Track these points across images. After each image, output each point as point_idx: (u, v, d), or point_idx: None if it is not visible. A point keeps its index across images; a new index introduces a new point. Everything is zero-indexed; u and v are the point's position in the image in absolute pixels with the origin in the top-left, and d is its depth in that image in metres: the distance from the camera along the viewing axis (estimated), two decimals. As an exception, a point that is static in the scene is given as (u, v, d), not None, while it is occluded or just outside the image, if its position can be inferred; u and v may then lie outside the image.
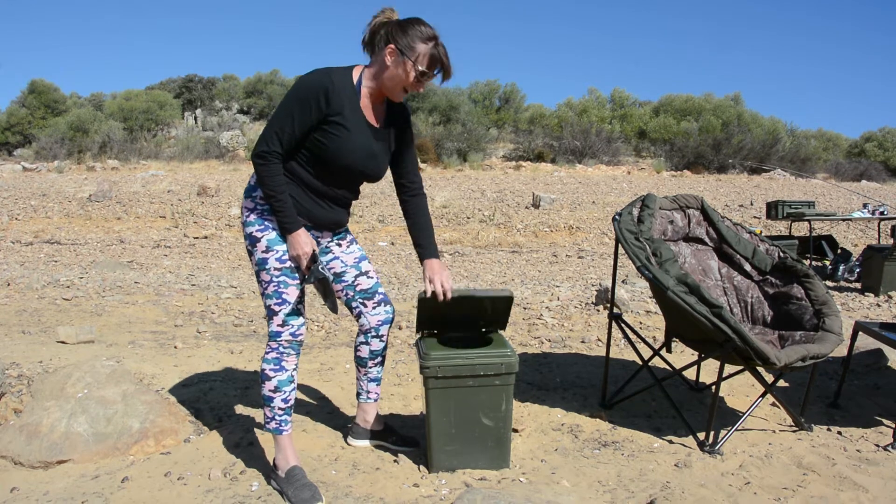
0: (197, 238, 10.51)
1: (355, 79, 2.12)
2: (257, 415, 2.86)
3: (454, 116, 24.17)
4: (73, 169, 19.53)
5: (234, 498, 2.13)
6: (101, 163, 20.31)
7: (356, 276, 2.40)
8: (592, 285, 6.40)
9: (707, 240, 3.27)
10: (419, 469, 2.38)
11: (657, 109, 26.66)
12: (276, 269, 2.13)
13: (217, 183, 14.89)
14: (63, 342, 3.89)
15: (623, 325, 3.09)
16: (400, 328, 4.54)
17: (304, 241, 2.10)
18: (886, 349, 3.63)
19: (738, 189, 16.86)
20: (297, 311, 2.17)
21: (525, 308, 5.25)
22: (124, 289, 5.97)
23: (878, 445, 2.66)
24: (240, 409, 2.93)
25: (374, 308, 2.42)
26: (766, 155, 22.70)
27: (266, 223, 2.14)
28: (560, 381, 3.44)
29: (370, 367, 2.49)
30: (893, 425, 2.82)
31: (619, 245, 2.87)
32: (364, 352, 2.47)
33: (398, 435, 2.55)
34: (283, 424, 2.21)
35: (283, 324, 2.15)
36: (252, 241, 2.15)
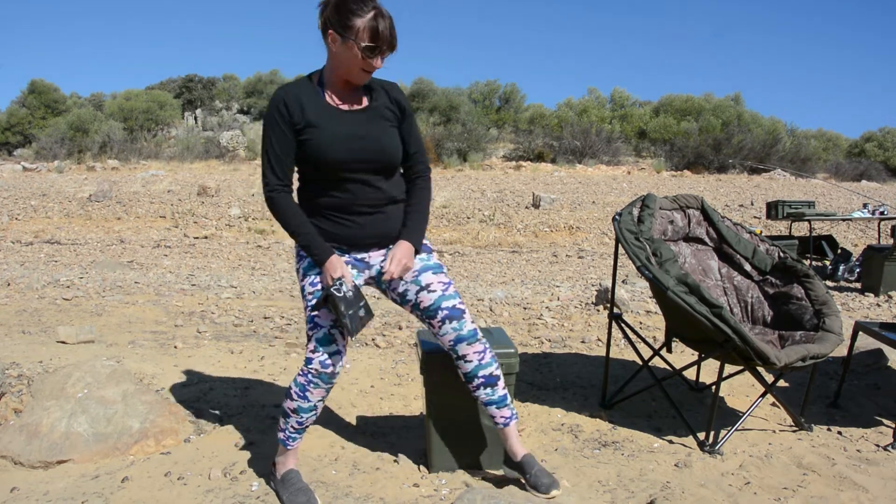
0: (197, 238, 10.51)
1: (315, 79, 2.08)
2: (257, 415, 2.86)
3: (454, 116, 24.18)
4: (73, 169, 19.53)
5: (234, 498, 2.13)
6: (102, 163, 20.31)
7: (417, 293, 2.13)
8: (592, 285, 6.40)
9: (707, 240, 3.27)
10: (419, 469, 2.38)
11: (657, 109, 26.66)
12: (309, 293, 2.07)
13: (217, 183, 14.89)
14: (63, 342, 3.89)
15: (623, 325, 3.09)
16: (400, 328, 4.54)
17: (331, 267, 2.01)
18: (886, 349, 3.63)
19: (738, 189, 16.86)
20: (330, 339, 2.03)
21: (525, 308, 5.25)
22: (124, 289, 5.97)
23: (878, 445, 2.66)
24: (240, 409, 2.93)
25: (440, 328, 2.12)
26: (766, 155, 22.70)
27: (303, 252, 2.12)
28: (560, 381, 3.44)
29: (473, 391, 2.19)
30: (893, 425, 2.82)
31: (619, 245, 2.87)
32: (459, 374, 2.20)
33: (532, 474, 2.18)
34: (290, 440, 2.17)
35: (315, 350, 2.04)
36: (297, 269, 2.15)
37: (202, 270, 7.60)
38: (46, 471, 2.32)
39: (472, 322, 2.14)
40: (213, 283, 6.48)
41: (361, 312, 1.98)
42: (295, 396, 2.09)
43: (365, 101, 2.10)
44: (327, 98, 2.06)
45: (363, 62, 1.95)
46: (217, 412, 2.87)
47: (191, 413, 2.83)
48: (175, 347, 3.94)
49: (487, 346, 2.15)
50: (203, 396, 3.06)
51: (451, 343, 2.12)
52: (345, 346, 2.08)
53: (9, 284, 6.05)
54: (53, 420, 2.44)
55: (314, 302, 2.03)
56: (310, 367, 2.04)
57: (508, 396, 2.21)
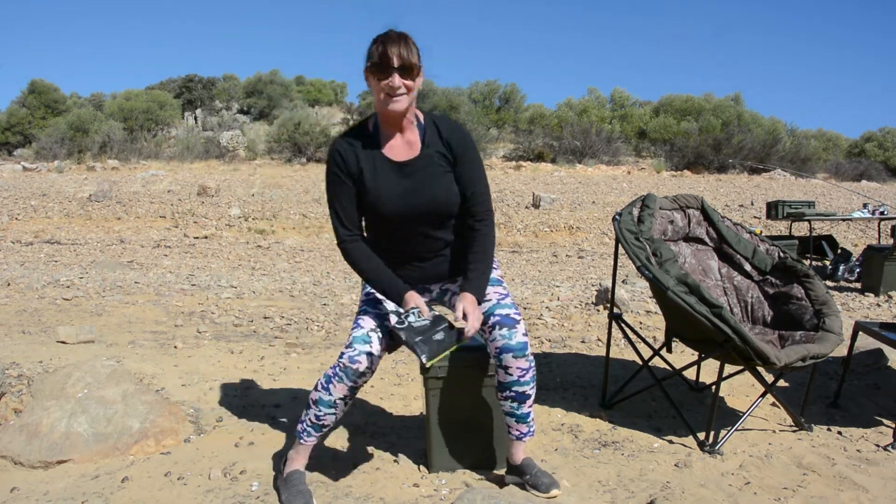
0: (197, 238, 10.51)
1: (371, 124, 2.11)
2: (257, 415, 2.86)
3: (454, 116, 24.19)
4: (73, 169, 19.52)
5: (234, 498, 2.13)
6: (101, 163, 20.31)
7: None
8: (592, 285, 6.40)
9: (707, 240, 3.27)
10: (419, 469, 2.38)
11: (657, 109, 26.65)
12: (362, 300, 2.20)
13: (217, 183, 14.89)
14: (63, 342, 3.89)
15: (623, 325, 3.09)
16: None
17: (406, 302, 2.04)
18: (886, 349, 3.63)
19: (738, 189, 16.86)
20: (367, 339, 2.06)
21: (525, 308, 5.25)
22: (124, 289, 5.97)
23: (878, 445, 2.66)
24: (240, 409, 2.93)
25: (490, 333, 2.10)
26: (766, 155, 22.68)
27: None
28: (560, 381, 3.44)
29: (500, 400, 2.19)
30: (893, 425, 2.82)
31: (619, 245, 2.87)
32: (496, 381, 2.18)
33: (532, 475, 2.20)
34: (305, 434, 2.16)
35: (349, 346, 2.07)
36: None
37: (202, 270, 7.60)
38: (46, 471, 2.32)
39: (525, 335, 2.09)
40: (213, 283, 6.48)
41: (439, 336, 1.94)
42: (319, 387, 2.11)
43: (418, 148, 2.10)
44: (382, 147, 2.09)
45: (379, 85, 1.97)
46: (217, 412, 2.87)
47: (191, 413, 2.83)
48: (175, 347, 3.94)
49: (533, 364, 2.11)
50: (203, 396, 3.06)
51: (498, 351, 2.08)
52: (381, 352, 2.09)
53: (9, 284, 6.05)
54: (53, 420, 2.44)
55: (373, 310, 2.13)
56: (340, 360, 2.07)
57: (532, 415, 2.20)
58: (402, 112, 2.02)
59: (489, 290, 2.15)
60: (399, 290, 2.05)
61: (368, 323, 2.11)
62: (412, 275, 2.18)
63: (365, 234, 2.18)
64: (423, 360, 1.90)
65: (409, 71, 1.97)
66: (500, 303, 2.13)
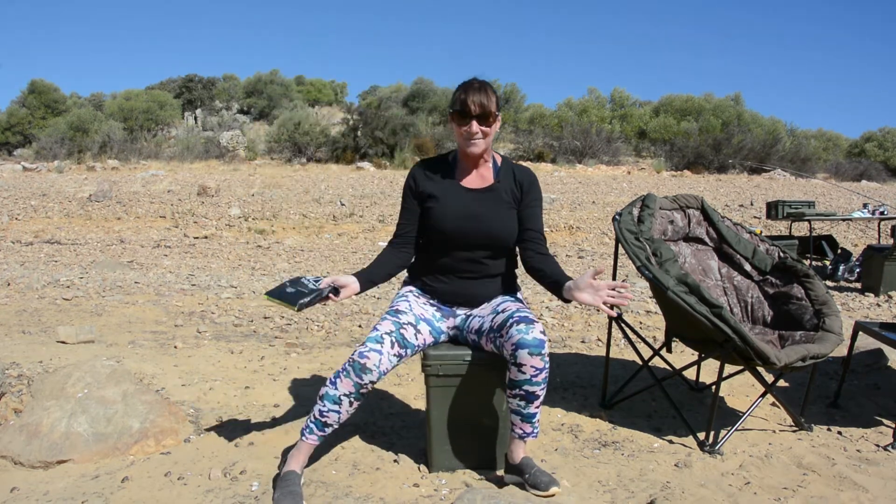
0: (197, 238, 10.51)
1: (451, 157, 2.37)
2: (257, 415, 2.86)
3: (454, 116, 24.14)
4: (73, 169, 19.53)
5: (234, 498, 2.13)
6: (101, 163, 20.32)
7: (493, 318, 2.24)
8: (592, 285, 6.39)
9: (707, 240, 3.27)
10: (419, 469, 2.38)
11: (657, 109, 26.68)
12: (388, 309, 2.34)
13: (217, 183, 14.90)
14: (63, 342, 3.89)
15: (623, 325, 3.09)
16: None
17: (341, 278, 2.22)
18: (886, 349, 3.63)
19: (738, 189, 16.87)
20: (380, 339, 2.15)
21: (525, 308, 5.25)
22: (124, 289, 5.97)
23: (878, 445, 2.66)
24: (240, 408, 2.93)
25: (507, 332, 2.14)
26: (766, 155, 22.70)
27: (401, 290, 2.44)
28: (560, 381, 3.44)
29: (508, 398, 2.20)
30: (893, 425, 2.82)
31: (619, 245, 2.87)
32: (507, 378, 2.20)
33: (531, 474, 2.19)
34: (307, 431, 2.17)
35: (363, 344, 2.15)
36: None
37: (202, 270, 7.60)
38: (46, 471, 2.32)
39: (543, 333, 2.11)
40: (213, 283, 6.48)
41: (306, 299, 2.11)
42: (328, 382, 2.18)
43: (490, 181, 2.33)
44: (456, 177, 2.33)
45: (460, 129, 2.22)
46: (217, 412, 2.87)
47: (191, 413, 2.83)
48: (175, 347, 3.94)
49: (547, 366, 2.11)
50: (203, 396, 3.06)
51: (514, 347, 2.09)
52: (394, 355, 2.16)
53: (9, 284, 6.05)
54: (53, 420, 2.44)
55: (392, 318, 2.25)
56: (351, 355, 2.15)
57: (538, 416, 2.21)
58: (479, 154, 2.27)
59: (511, 304, 2.26)
60: (359, 275, 2.26)
61: (385, 327, 2.21)
62: (443, 288, 2.35)
63: (405, 251, 2.37)
64: (295, 301, 2.09)
65: (486, 118, 2.20)
66: (520, 310, 2.21)
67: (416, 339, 2.25)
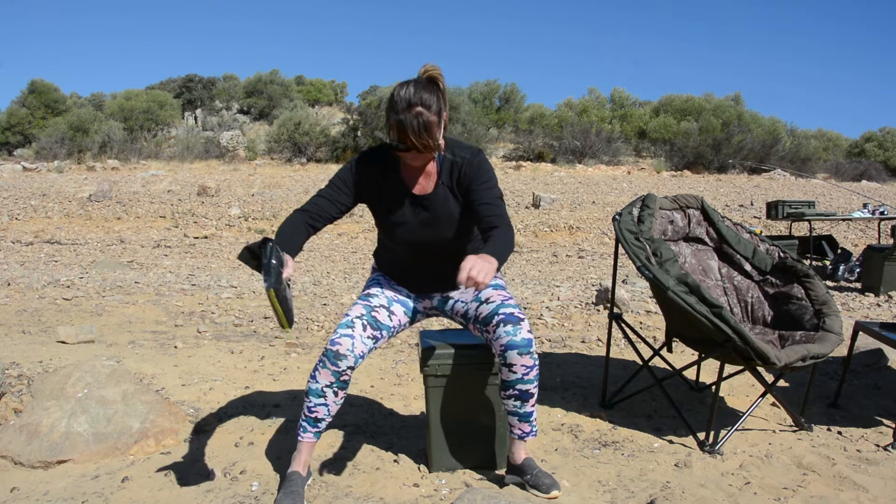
0: (197, 238, 10.51)
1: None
2: (257, 415, 2.86)
3: (454, 116, 24.14)
4: (73, 169, 19.54)
5: (234, 498, 2.13)
6: (101, 163, 20.32)
7: (477, 308, 2.20)
8: (592, 285, 6.40)
9: (707, 240, 3.27)
10: (419, 469, 2.38)
11: (657, 109, 26.65)
12: (359, 295, 2.30)
13: (217, 183, 14.89)
14: (63, 342, 3.89)
15: (623, 325, 3.09)
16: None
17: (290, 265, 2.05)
18: (886, 349, 3.63)
19: (738, 189, 16.87)
20: (349, 325, 2.11)
21: (525, 308, 5.25)
22: (124, 289, 5.97)
23: (878, 445, 2.66)
24: (240, 409, 2.93)
25: (494, 331, 2.11)
26: (766, 155, 22.70)
27: (372, 276, 2.39)
28: (560, 381, 3.44)
29: (503, 399, 2.18)
30: (893, 425, 2.82)
31: (619, 245, 2.87)
32: (498, 380, 2.19)
33: (533, 475, 2.18)
34: (301, 430, 2.16)
35: (335, 332, 2.13)
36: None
37: (202, 270, 7.60)
38: (46, 471, 2.32)
39: (530, 332, 2.10)
40: (213, 283, 6.48)
41: (289, 304, 1.91)
42: (309, 377, 2.15)
43: (435, 180, 2.17)
44: (402, 174, 2.17)
45: (402, 155, 2.07)
46: (217, 412, 2.87)
47: (191, 413, 2.83)
48: (175, 347, 3.94)
49: (537, 362, 2.12)
50: (203, 396, 3.06)
51: (503, 348, 2.08)
52: (367, 338, 2.12)
53: (9, 284, 6.05)
54: (53, 420, 2.44)
55: (363, 302, 2.21)
56: (325, 346, 2.12)
57: (535, 414, 2.20)
58: (421, 165, 2.14)
59: (493, 292, 2.19)
60: (286, 248, 1.99)
61: (355, 311, 2.18)
62: (414, 283, 2.31)
63: (315, 227, 2.15)
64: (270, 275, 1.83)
65: (429, 150, 2.02)
66: (504, 303, 2.15)
67: (391, 320, 2.22)
